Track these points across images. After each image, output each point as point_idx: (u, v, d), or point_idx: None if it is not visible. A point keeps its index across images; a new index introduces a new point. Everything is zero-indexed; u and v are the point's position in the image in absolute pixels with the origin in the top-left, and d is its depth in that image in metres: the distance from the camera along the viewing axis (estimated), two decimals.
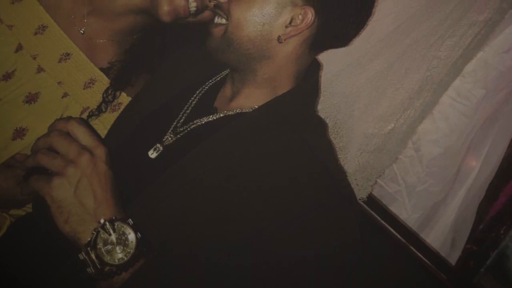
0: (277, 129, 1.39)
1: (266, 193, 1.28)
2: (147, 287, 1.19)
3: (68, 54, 1.68)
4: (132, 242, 1.17)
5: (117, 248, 1.16)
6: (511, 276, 1.99)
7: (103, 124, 1.70)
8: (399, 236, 2.03)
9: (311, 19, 1.36)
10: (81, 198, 1.17)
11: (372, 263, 1.59)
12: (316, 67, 1.55)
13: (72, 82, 1.69)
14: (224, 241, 1.23)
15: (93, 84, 1.71)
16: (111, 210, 1.20)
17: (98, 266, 1.15)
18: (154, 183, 1.33)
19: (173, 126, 1.52)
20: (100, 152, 1.22)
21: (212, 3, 1.50)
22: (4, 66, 1.63)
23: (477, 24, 1.81)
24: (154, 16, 1.62)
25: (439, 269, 1.96)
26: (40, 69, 1.66)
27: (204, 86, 1.61)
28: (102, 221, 1.16)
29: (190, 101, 1.57)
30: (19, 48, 1.65)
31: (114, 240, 1.16)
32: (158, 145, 1.47)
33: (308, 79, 1.51)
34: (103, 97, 1.70)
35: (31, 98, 1.64)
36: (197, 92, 1.59)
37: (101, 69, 1.72)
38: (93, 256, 1.14)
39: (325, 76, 1.85)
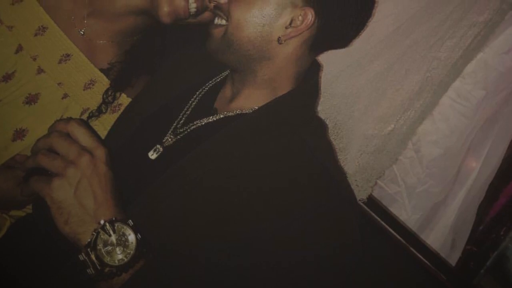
0: (277, 130, 1.39)
1: (266, 194, 1.28)
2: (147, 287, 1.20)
3: (68, 55, 1.68)
4: (132, 243, 1.17)
5: (117, 249, 1.16)
6: (511, 277, 1.98)
7: (103, 125, 1.70)
8: (399, 237, 2.03)
9: (311, 20, 1.36)
10: (81, 199, 1.17)
11: (372, 264, 1.59)
12: (316, 68, 1.55)
13: (72, 83, 1.69)
14: (224, 242, 1.23)
15: (93, 85, 1.71)
16: (111, 211, 1.20)
17: (98, 267, 1.15)
18: (154, 184, 1.33)
19: (173, 127, 1.52)
20: (100, 153, 1.22)
21: (212, 4, 1.50)
22: (4, 67, 1.63)
23: (477, 25, 1.81)
24: (154, 17, 1.62)
25: (439, 270, 1.96)
26: (40, 70, 1.66)
27: (204, 87, 1.61)
28: (102, 222, 1.16)
29: (190, 102, 1.57)
30: (19, 49, 1.65)
31: (114, 241, 1.16)
32: (158, 146, 1.47)
33: (308, 80, 1.51)
34: (103, 98, 1.70)
35: (31, 99, 1.64)
36: (197, 93, 1.59)
37: (101, 70, 1.72)
38: (93, 257, 1.14)
39: (325, 77, 1.85)
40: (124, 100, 1.75)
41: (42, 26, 1.66)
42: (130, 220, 1.20)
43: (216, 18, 1.46)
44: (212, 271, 1.21)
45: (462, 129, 2.00)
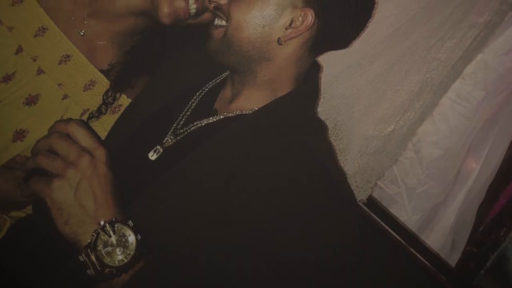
0: (277, 131, 1.39)
1: (266, 195, 1.27)
2: None
3: (68, 56, 1.68)
4: (132, 244, 1.17)
5: (117, 250, 1.16)
6: (511, 278, 1.98)
7: (103, 126, 1.71)
8: (399, 238, 2.03)
9: (311, 21, 1.36)
10: (81, 200, 1.17)
11: (372, 264, 1.59)
12: (316, 69, 1.55)
13: (72, 84, 1.69)
14: (224, 243, 1.23)
15: (93, 86, 1.71)
16: (111, 211, 1.20)
17: (98, 268, 1.15)
18: (154, 185, 1.33)
19: (173, 128, 1.52)
20: (100, 154, 1.22)
21: (212, 5, 1.50)
22: (4, 68, 1.63)
23: (477, 26, 1.81)
24: (154, 18, 1.62)
25: (439, 271, 1.96)
26: (40, 71, 1.66)
27: (204, 88, 1.62)
28: (102, 222, 1.16)
29: (190, 103, 1.57)
30: (19, 50, 1.65)
31: (114, 242, 1.16)
32: (158, 147, 1.47)
33: (308, 81, 1.51)
34: (103, 99, 1.70)
35: (31, 100, 1.65)
36: (197, 94, 1.60)
37: (101, 71, 1.72)
38: (93, 257, 1.14)
39: (325, 78, 1.85)
40: (124, 101, 1.75)
41: (42, 27, 1.66)
42: (130, 221, 1.20)
43: (216, 19, 1.46)
44: (212, 272, 1.21)
45: (462, 130, 2.00)
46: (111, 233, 1.16)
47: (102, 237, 1.15)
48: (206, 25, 1.55)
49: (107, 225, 1.16)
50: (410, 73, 1.89)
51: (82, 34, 1.72)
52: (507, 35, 1.87)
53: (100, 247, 1.15)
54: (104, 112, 1.70)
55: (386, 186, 2.12)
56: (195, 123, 1.49)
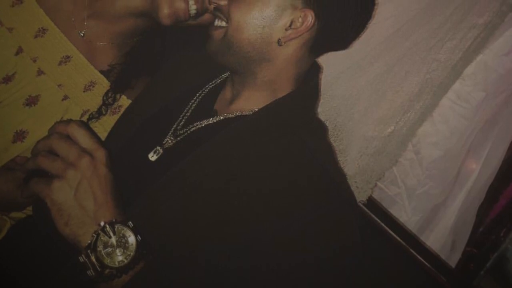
0: (277, 131, 1.39)
1: (266, 196, 1.28)
2: None
3: (68, 57, 1.68)
4: (132, 244, 1.17)
5: (117, 250, 1.16)
6: (511, 278, 1.98)
7: (103, 126, 1.71)
8: (399, 239, 2.03)
9: (311, 21, 1.36)
10: (81, 200, 1.17)
11: (372, 265, 1.59)
12: (316, 69, 1.55)
13: (72, 84, 1.69)
14: (224, 244, 1.23)
15: (93, 86, 1.71)
16: (111, 212, 1.20)
17: (98, 268, 1.15)
18: (154, 186, 1.33)
19: (173, 128, 1.52)
20: (100, 154, 1.22)
21: (212, 6, 1.50)
22: (4, 69, 1.63)
23: (477, 27, 1.81)
24: (154, 19, 1.62)
25: (439, 272, 1.96)
26: (40, 72, 1.66)
27: (204, 89, 1.62)
28: (102, 223, 1.16)
29: (190, 103, 1.57)
30: (19, 51, 1.65)
31: (114, 242, 1.16)
32: (158, 147, 1.47)
33: (308, 82, 1.51)
34: (103, 99, 1.70)
35: (31, 101, 1.65)
36: (197, 94, 1.60)
37: (101, 72, 1.73)
38: (93, 258, 1.14)
39: (325, 79, 1.85)
40: (124, 101, 1.75)
41: (42, 28, 1.66)
42: (130, 222, 1.20)
43: (216, 20, 1.46)
44: (212, 272, 1.21)
45: (462, 130, 2.00)
46: (111, 234, 1.16)
47: (102, 238, 1.15)
48: (206, 26, 1.55)
49: (107, 226, 1.16)
50: (410, 74, 1.89)
51: (82, 35, 1.72)
52: (507, 36, 1.87)
53: (100, 248, 1.15)
54: (104, 113, 1.70)
55: (386, 187, 2.12)
56: (195, 124, 1.49)
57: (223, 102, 1.54)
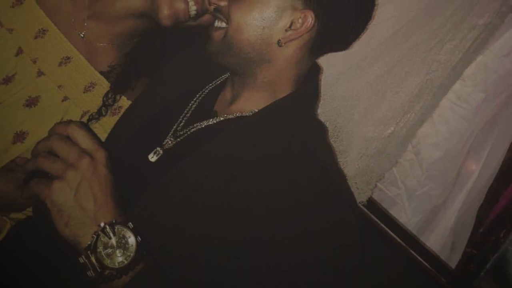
0: (277, 132, 1.39)
1: (266, 197, 1.28)
2: None
3: (68, 58, 1.68)
4: (132, 245, 1.17)
5: (117, 251, 1.16)
6: (511, 279, 1.98)
7: (103, 127, 1.71)
8: (399, 240, 2.03)
9: (311, 22, 1.36)
10: (81, 201, 1.17)
11: (372, 266, 1.59)
12: (316, 70, 1.55)
13: (72, 85, 1.69)
14: (224, 244, 1.23)
15: (93, 87, 1.71)
16: (111, 213, 1.20)
17: (98, 269, 1.15)
18: (154, 187, 1.33)
19: (173, 129, 1.52)
20: (100, 155, 1.22)
21: (212, 7, 1.50)
22: (4, 70, 1.63)
23: (476, 28, 1.81)
24: (154, 20, 1.62)
25: (439, 273, 1.96)
26: (40, 73, 1.66)
27: (204, 90, 1.62)
28: (102, 224, 1.16)
29: (190, 104, 1.57)
30: (19, 51, 1.65)
31: (114, 243, 1.16)
32: (158, 148, 1.47)
33: (308, 83, 1.51)
34: (103, 100, 1.70)
35: (31, 102, 1.65)
36: (197, 95, 1.60)
37: (101, 73, 1.73)
38: (93, 259, 1.14)
39: (325, 80, 1.85)
40: (124, 102, 1.75)
41: (42, 28, 1.66)
42: (130, 223, 1.20)
43: (216, 21, 1.46)
44: (212, 273, 1.21)
45: (462, 131, 2.00)
46: (111, 234, 1.16)
47: (102, 239, 1.15)
48: (206, 27, 1.55)
49: (107, 226, 1.16)
50: (410, 75, 1.89)
51: (82, 36, 1.72)
52: (507, 37, 1.87)
53: (100, 248, 1.15)
54: (104, 114, 1.70)
55: (386, 188, 2.12)
56: (195, 125, 1.49)
57: (223, 103, 1.54)
